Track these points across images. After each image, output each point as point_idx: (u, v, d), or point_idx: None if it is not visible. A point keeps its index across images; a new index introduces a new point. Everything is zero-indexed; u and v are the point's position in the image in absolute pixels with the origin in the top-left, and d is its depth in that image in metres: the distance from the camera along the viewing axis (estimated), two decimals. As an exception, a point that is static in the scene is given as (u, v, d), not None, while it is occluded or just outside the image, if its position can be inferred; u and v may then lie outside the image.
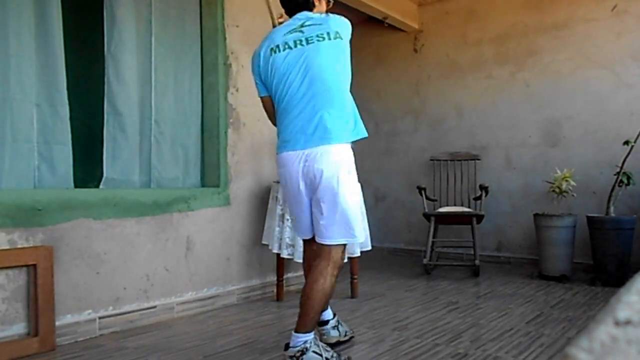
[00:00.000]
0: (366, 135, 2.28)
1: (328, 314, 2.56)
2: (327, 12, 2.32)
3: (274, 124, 2.34)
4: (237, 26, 3.49)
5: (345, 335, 2.57)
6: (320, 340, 2.36)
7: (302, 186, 2.20)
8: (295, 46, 2.16)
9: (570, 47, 4.57)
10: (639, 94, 4.26)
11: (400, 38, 5.59)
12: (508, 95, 4.92)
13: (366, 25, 5.54)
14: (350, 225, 2.17)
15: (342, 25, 2.20)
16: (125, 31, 3.03)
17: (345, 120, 2.17)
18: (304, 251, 2.59)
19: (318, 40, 2.13)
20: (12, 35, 2.56)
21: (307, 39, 2.14)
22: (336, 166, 2.13)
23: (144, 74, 3.17)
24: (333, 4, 2.43)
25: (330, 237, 2.17)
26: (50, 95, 2.73)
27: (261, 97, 2.35)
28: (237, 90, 3.48)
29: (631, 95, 4.29)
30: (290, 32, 2.19)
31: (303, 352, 2.10)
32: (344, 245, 2.25)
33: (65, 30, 2.78)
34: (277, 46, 2.19)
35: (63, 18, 2.76)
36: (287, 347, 2.15)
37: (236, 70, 3.48)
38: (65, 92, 2.77)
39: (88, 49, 3.28)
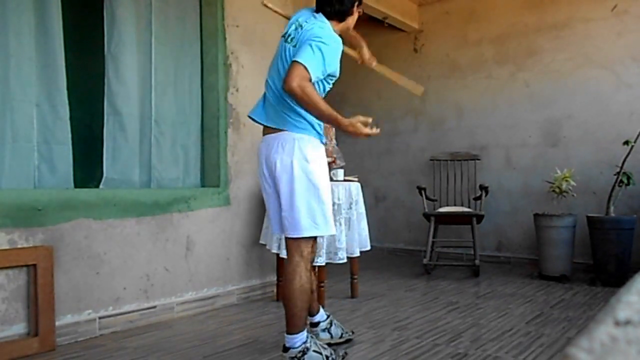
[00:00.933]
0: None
1: (321, 316, 2.54)
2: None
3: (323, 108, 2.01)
4: (237, 26, 3.49)
5: (341, 337, 2.55)
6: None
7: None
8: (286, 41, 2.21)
9: (570, 47, 4.57)
10: (639, 94, 4.26)
11: (400, 38, 5.59)
12: (508, 95, 4.92)
13: (366, 25, 5.53)
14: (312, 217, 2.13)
15: (311, 35, 2.10)
16: (125, 31, 3.03)
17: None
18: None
19: (291, 41, 2.17)
20: (12, 35, 2.56)
21: (292, 38, 2.18)
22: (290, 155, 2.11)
23: (144, 73, 3.16)
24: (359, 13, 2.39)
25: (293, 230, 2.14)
26: (50, 95, 2.73)
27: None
28: (237, 90, 3.48)
29: (631, 95, 4.29)
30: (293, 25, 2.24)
31: (304, 352, 2.10)
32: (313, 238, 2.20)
33: (65, 30, 2.78)
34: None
35: (63, 18, 2.76)
36: (285, 349, 2.14)
37: (236, 70, 3.48)
38: (65, 92, 2.77)
39: (88, 49, 3.27)
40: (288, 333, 2.13)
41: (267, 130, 2.22)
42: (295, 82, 1.90)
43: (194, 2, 3.42)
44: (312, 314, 2.49)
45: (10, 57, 2.56)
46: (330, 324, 2.56)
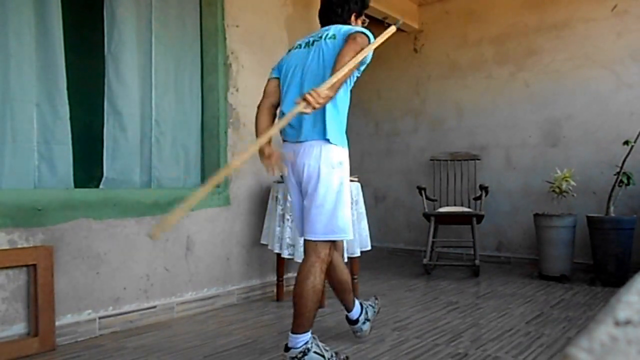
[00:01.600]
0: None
1: (356, 312, 2.55)
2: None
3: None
4: (237, 26, 3.49)
5: (375, 314, 2.67)
6: (356, 337, 2.49)
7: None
8: (303, 47, 2.30)
9: (570, 47, 4.57)
10: (639, 94, 4.26)
11: (400, 38, 5.59)
12: (508, 95, 4.92)
13: (366, 26, 5.53)
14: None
15: (339, 31, 2.22)
16: (125, 31, 3.03)
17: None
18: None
19: (317, 41, 2.25)
20: (12, 35, 2.56)
21: (312, 41, 2.27)
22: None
23: (144, 73, 3.16)
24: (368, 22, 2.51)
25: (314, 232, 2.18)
26: (50, 95, 2.73)
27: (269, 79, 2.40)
28: (237, 90, 3.48)
29: (631, 95, 4.29)
30: (307, 37, 2.33)
31: (305, 352, 2.10)
32: (332, 242, 2.22)
33: (65, 30, 2.78)
34: (290, 49, 2.38)
35: (63, 18, 2.76)
36: (286, 348, 2.14)
37: (236, 70, 3.48)
38: (65, 92, 2.77)
39: (88, 49, 3.28)
40: (293, 332, 2.13)
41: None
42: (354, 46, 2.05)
43: (194, 2, 3.42)
44: (349, 309, 2.53)
45: (10, 57, 2.56)
46: (366, 312, 2.60)
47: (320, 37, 2.24)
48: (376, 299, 2.78)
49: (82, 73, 3.22)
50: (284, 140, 2.31)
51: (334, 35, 2.22)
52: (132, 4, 3.06)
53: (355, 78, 2.27)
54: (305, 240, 2.23)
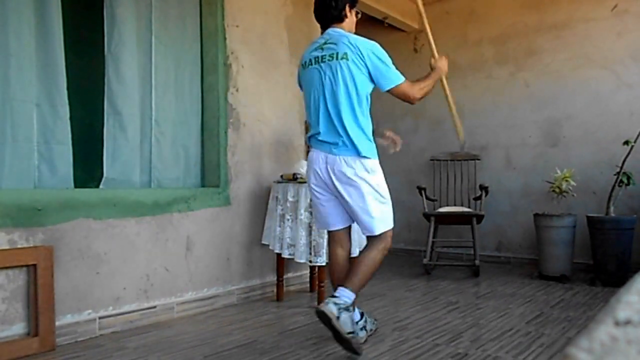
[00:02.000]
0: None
1: (355, 316, 2.55)
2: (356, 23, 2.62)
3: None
4: (237, 26, 3.49)
5: (371, 330, 2.65)
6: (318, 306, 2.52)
7: None
8: (315, 63, 2.48)
9: (570, 47, 4.57)
10: (639, 94, 4.26)
11: (400, 38, 5.59)
12: (508, 95, 4.92)
13: (366, 25, 5.53)
14: None
15: (351, 47, 2.40)
16: (125, 31, 3.03)
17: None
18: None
19: (329, 60, 2.43)
20: (12, 35, 2.56)
21: (322, 57, 2.45)
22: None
23: (144, 73, 3.16)
24: (362, 15, 2.68)
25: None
26: (50, 95, 2.73)
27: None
28: (237, 90, 3.48)
29: (631, 95, 4.28)
30: (315, 49, 2.50)
31: (348, 309, 2.26)
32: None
33: (65, 30, 2.78)
34: (305, 62, 2.54)
35: (63, 18, 2.76)
36: (333, 296, 2.29)
37: (236, 70, 3.48)
38: (65, 92, 2.77)
39: (88, 49, 3.27)
40: (345, 286, 2.33)
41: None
42: (416, 95, 2.49)
43: (194, 2, 3.42)
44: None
45: (10, 57, 2.56)
46: (366, 321, 2.62)
47: (332, 56, 2.41)
48: (376, 319, 2.80)
49: (82, 73, 3.22)
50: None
51: (345, 54, 2.39)
52: (132, 4, 3.06)
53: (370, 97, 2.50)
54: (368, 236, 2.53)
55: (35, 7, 2.66)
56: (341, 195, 2.43)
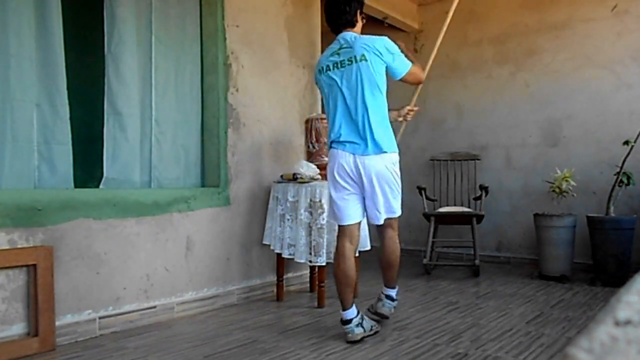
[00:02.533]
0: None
1: (352, 312, 2.60)
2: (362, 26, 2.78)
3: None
4: (237, 26, 3.49)
5: (371, 330, 2.65)
6: (346, 339, 2.56)
7: None
8: (334, 68, 2.60)
9: (570, 47, 4.57)
10: (639, 94, 4.26)
11: (400, 38, 5.57)
12: (508, 95, 4.91)
13: (366, 25, 5.52)
14: None
15: (367, 47, 2.55)
16: (125, 31, 3.03)
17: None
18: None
19: (348, 64, 2.56)
20: (12, 35, 2.56)
21: (340, 62, 2.58)
22: None
23: (144, 73, 3.16)
24: (366, 20, 2.87)
25: None
26: (50, 95, 2.73)
27: None
28: (237, 90, 3.47)
29: (631, 95, 4.29)
30: (332, 54, 2.62)
31: (393, 299, 2.90)
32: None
33: (65, 30, 2.78)
34: (322, 68, 2.66)
35: (63, 18, 2.76)
36: (392, 298, 2.83)
37: (236, 70, 3.48)
38: (65, 92, 2.77)
39: (88, 49, 3.27)
40: (392, 287, 2.87)
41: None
42: (422, 75, 2.86)
43: (194, 2, 3.42)
44: (345, 308, 2.59)
45: (10, 57, 2.56)
46: (362, 318, 2.63)
47: (351, 60, 2.54)
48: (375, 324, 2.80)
49: (82, 73, 3.22)
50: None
51: (363, 56, 2.52)
52: (132, 4, 3.06)
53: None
54: (378, 225, 2.80)
55: (35, 7, 2.66)
56: (371, 187, 2.61)
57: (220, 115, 3.38)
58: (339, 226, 2.73)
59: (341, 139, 2.60)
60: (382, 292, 2.91)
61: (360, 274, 3.68)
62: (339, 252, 2.67)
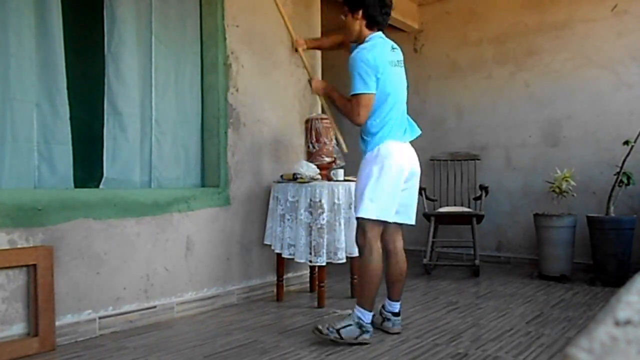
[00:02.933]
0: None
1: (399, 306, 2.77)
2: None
3: (364, 118, 2.62)
4: (237, 26, 3.49)
5: (360, 335, 2.63)
6: (390, 330, 2.70)
7: None
8: (399, 65, 2.74)
9: (570, 47, 4.57)
10: (639, 94, 4.26)
11: (400, 38, 5.57)
12: (508, 95, 4.92)
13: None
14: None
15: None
16: (125, 31, 3.02)
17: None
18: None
19: (401, 64, 2.77)
20: (12, 35, 2.56)
21: (398, 61, 2.73)
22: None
23: (144, 73, 3.16)
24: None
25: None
26: (50, 95, 2.73)
27: (369, 93, 2.59)
28: (237, 90, 3.47)
29: (631, 95, 4.29)
30: (392, 49, 2.73)
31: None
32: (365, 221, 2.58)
33: (65, 29, 2.78)
34: (392, 61, 2.69)
35: (63, 17, 2.76)
36: (397, 314, 2.71)
37: (236, 70, 3.47)
38: (65, 92, 2.77)
39: (88, 49, 3.27)
40: (397, 300, 2.73)
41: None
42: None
43: (194, 2, 3.42)
44: (371, 308, 2.61)
45: (10, 57, 2.56)
46: (359, 318, 2.61)
47: (401, 60, 2.74)
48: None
49: (82, 73, 3.22)
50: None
51: (400, 60, 2.74)
52: (132, 4, 3.06)
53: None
54: (397, 224, 2.72)
55: (35, 7, 2.66)
56: (412, 184, 2.69)
57: (220, 115, 3.38)
58: (386, 223, 2.63)
59: (403, 133, 2.68)
60: (385, 310, 2.75)
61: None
62: (390, 251, 2.73)
